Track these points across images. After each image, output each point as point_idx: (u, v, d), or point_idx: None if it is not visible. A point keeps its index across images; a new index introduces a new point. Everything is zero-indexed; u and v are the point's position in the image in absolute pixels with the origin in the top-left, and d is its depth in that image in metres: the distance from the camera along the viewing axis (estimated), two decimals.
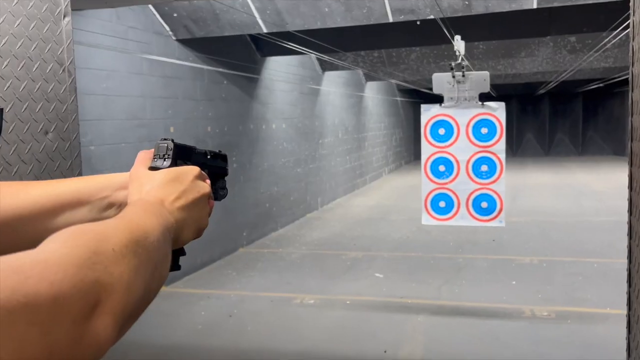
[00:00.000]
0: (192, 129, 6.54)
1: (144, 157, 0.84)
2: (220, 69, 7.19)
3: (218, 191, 0.93)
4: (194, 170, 0.81)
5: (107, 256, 0.51)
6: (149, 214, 0.67)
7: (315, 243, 8.04)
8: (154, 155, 0.83)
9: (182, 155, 0.84)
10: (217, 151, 0.95)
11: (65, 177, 1.53)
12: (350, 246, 7.76)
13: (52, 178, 1.49)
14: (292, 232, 8.79)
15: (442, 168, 4.72)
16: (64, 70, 1.50)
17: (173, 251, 0.75)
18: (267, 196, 8.62)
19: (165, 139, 0.84)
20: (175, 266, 0.80)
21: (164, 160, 0.82)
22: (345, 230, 8.89)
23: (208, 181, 0.84)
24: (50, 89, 1.47)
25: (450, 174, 4.71)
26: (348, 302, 5.43)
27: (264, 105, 8.50)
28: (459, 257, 7.01)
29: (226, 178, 0.96)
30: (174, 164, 0.82)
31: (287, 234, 8.72)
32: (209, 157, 0.91)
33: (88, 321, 0.47)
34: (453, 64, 4.70)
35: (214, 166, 0.93)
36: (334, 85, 11.70)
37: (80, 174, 1.64)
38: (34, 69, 1.46)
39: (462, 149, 4.67)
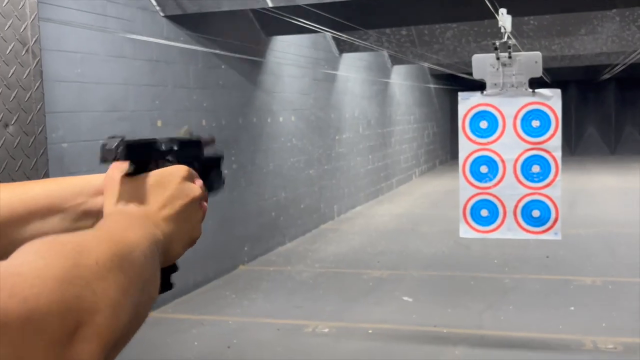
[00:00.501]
0: (184, 122, 6.57)
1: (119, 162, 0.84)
2: (218, 51, 7.22)
3: (213, 183, 0.91)
4: (181, 170, 0.81)
5: (90, 270, 0.53)
6: (132, 226, 0.69)
7: (330, 260, 8.03)
8: (102, 159, 0.79)
9: (135, 154, 0.80)
10: (189, 137, 0.90)
11: (29, 178, 1.53)
12: (373, 263, 7.74)
13: (12, 179, 1.50)
14: (303, 247, 8.80)
15: (484, 169, 4.70)
16: (27, 50, 1.51)
17: (163, 269, 0.75)
18: (273, 203, 8.64)
19: (112, 137, 0.79)
20: (166, 285, 0.80)
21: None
22: (367, 244, 8.87)
23: (199, 181, 0.84)
24: (10, 73, 1.48)
25: (495, 176, 4.68)
26: (370, 331, 5.41)
27: (269, 94, 8.52)
28: (504, 277, 6.97)
29: (224, 169, 0.94)
30: (155, 167, 0.81)
31: (297, 248, 8.72)
32: (176, 148, 0.85)
33: (68, 346, 0.48)
34: (497, 43, 4.68)
35: (205, 157, 0.90)
36: (353, 69, 11.70)
37: (47, 175, 1.64)
38: None
39: (509, 146, 4.64)
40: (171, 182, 0.80)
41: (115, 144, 0.79)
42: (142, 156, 0.82)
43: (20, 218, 0.80)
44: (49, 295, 0.47)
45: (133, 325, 0.58)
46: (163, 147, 0.85)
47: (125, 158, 0.79)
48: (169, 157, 0.85)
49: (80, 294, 0.50)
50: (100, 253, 0.55)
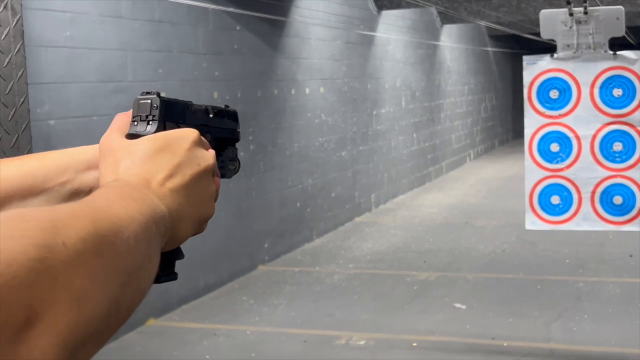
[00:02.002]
0: (192, 95, 6.61)
1: (121, 121, 0.84)
2: (232, 9, 7.24)
3: (227, 165, 0.94)
4: (191, 134, 0.82)
5: (55, 252, 0.51)
6: (126, 198, 0.67)
7: (367, 259, 8.04)
8: (133, 117, 0.84)
9: (172, 114, 0.85)
10: (223, 107, 0.96)
11: (8, 157, 1.55)
12: (418, 264, 7.73)
13: None
14: (334, 244, 8.82)
15: (555, 147, 4.65)
16: (5, 6, 1.52)
17: (165, 253, 0.75)
18: (298, 192, 8.66)
19: (147, 93, 0.85)
20: (169, 274, 0.80)
21: (148, 123, 0.83)
22: (412, 241, 8.86)
23: (212, 151, 0.84)
24: None
25: (568, 155, 4.63)
26: (415, 344, 5.41)
27: (293, 61, 8.52)
28: (578, 280, 6.92)
29: (240, 152, 0.97)
30: (162, 127, 0.83)
31: (327, 245, 8.74)
32: (211, 115, 0.92)
33: (16, 343, 0.46)
34: None
35: (220, 128, 0.94)
36: (394, 30, 11.63)
37: (30, 153, 1.66)
38: None
39: (585, 120, 4.59)
40: (180, 147, 0.79)
41: (151, 99, 0.83)
42: (178, 118, 0.85)
43: None
44: None
45: (111, 321, 0.57)
46: (206, 111, 0.91)
47: (161, 117, 0.82)
48: (209, 123, 0.90)
49: (37, 282, 0.48)
50: (72, 232, 0.54)
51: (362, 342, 5.47)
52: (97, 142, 0.84)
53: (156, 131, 0.82)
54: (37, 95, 4.91)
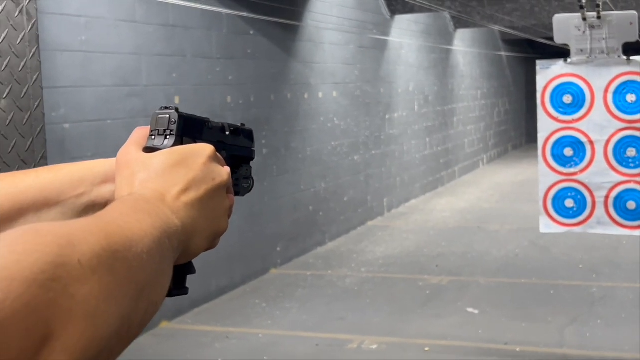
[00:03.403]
0: (206, 99, 6.63)
1: (139, 134, 0.85)
2: (245, 14, 7.26)
3: (240, 182, 0.95)
4: (207, 149, 0.82)
5: (70, 270, 0.51)
6: (140, 212, 0.67)
7: (379, 263, 8.03)
8: (151, 131, 0.84)
9: (190, 130, 0.86)
10: (239, 125, 0.97)
11: (23, 161, 1.56)
12: (431, 268, 7.71)
13: (5, 163, 1.53)
14: (347, 247, 8.81)
15: (569, 152, 4.63)
16: (21, 11, 1.53)
17: (177, 267, 0.75)
18: (311, 195, 8.66)
19: (166, 108, 0.86)
20: (180, 288, 0.80)
21: (165, 137, 0.84)
22: (424, 245, 8.84)
23: (227, 167, 0.85)
24: (2, 38, 1.50)
25: (582, 160, 4.61)
26: (427, 348, 5.40)
27: (306, 65, 8.53)
28: (592, 285, 6.88)
29: (252, 164, 0.97)
30: (179, 142, 0.84)
31: (340, 249, 8.74)
32: (227, 133, 0.93)
33: None
34: (584, 0, 4.59)
35: (235, 146, 0.95)
36: (408, 34, 11.62)
37: (44, 158, 1.67)
38: None
39: (599, 125, 4.56)
40: (196, 162, 0.80)
41: (170, 114, 0.84)
42: (195, 133, 0.87)
43: (8, 214, 0.80)
44: (15, 300, 0.46)
45: (123, 336, 0.57)
46: (222, 128, 0.92)
47: (178, 132, 0.84)
48: (225, 140, 0.91)
49: (55, 301, 0.48)
50: (87, 249, 0.54)
51: (374, 346, 5.46)
52: (112, 146, 0.84)
53: (173, 146, 0.83)
54: (52, 99, 4.94)
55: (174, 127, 0.84)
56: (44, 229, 0.54)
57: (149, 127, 0.86)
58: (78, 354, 0.50)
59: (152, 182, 0.77)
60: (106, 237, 0.57)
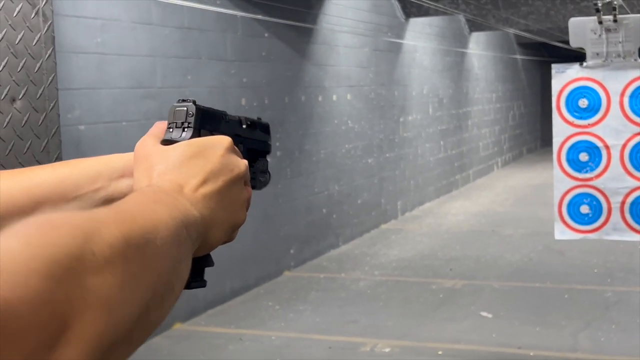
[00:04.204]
0: (220, 101, 6.64)
1: (158, 128, 0.86)
2: (260, 17, 7.27)
3: (257, 176, 0.96)
4: (225, 141, 0.82)
5: (84, 262, 0.51)
6: (157, 204, 0.68)
7: (393, 266, 8.02)
8: (169, 124, 0.85)
9: (207, 122, 0.86)
10: (256, 119, 0.98)
11: (38, 162, 1.57)
12: (444, 272, 7.69)
13: (20, 163, 1.54)
14: (360, 250, 8.80)
15: (584, 157, 4.60)
16: (37, 12, 1.54)
17: (196, 259, 0.76)
18: (325, 198, 8.66)
19: (184, 100, 0.86)
20: (198, 280, 0.81)
21: (183, 130, 0.84)
22: (438, 248, 8.82)
23: (244, 160, 0.85)
24: (18, 39, 1.52)
25: (597, 165, 4.58)
26: (440, 352, 5.38)
27: (321, 68, 8.53)
28: (607, 289, 6.84)
29: (268, 158, 0.97)
30: (197, 135, 0.84)
31: (353, 252, 8.73)
32: (244, 126, 0.94)
33: (49, 353, 0.46)
34: (600, 3, 4.56)
35: (252, 140, 0.95)
36: (422, 37, 11.60)
37: (59, 159, 1.68)
38: None
39: (615, 129, 4.53)
40: (214, 154, 0.80)
41: (187, 107, 0.85)
42: (212, 126, 0.87)
43: (24, 208, 0.81)
44: (32, 294, 0.46)
45: (141, 326, 0.56)
46: (239, 122, 0.93)
47: (196, 125, 0.84)
48: (242, 133, 0.92)
49: (70, 294, 0.48)
50: (101, 239, 0.53)
51: (387, 350, 5.46)
52: (127, 147, 0.84)
53: (191, 138, 0.83)
54: (67, 100, 4.97)
55: (191, 119, 0.84)
56: (58, 219, 0.53)
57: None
58: (93, 343, 0.50)
59: (170, 174, 0.77)
60: (121, 227, 0.57)
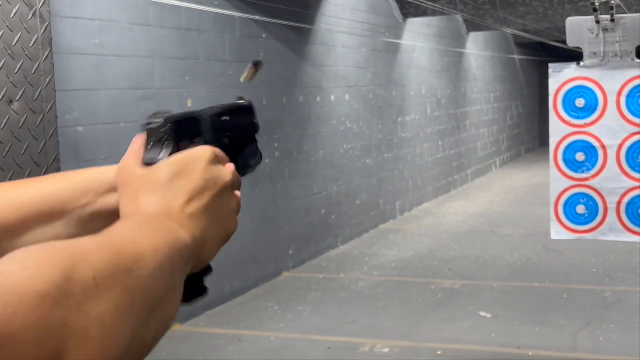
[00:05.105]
0: (218, 101, 6.52)
1: (138, 144, 0.82)
2: (258, 17, 7.27)
3: (249, 160, 0.91)
4: (205, 153, 0.80)
5: (85, 287, 0.51)
6: (148, 229, 0.67)
7: (392, 267, 8.01)
8: (147, 142, 0.81)
9: (184, 132, 0.82)
10: (237, 101, 0.93)
11: (36, 163, 1.57)
12: (443, 272, 7.69)
13: (18, 165, 1.54)
14: (359, 251, 8.80)
15: (581, 157, 4.60)
16: (34, 14, 1.54)
17: (194, 274, 0.75)
18: (323, 199, 8.65)
19: (156, 114, 0.82)
20: (199, 290, 0.79)
21: (161, 147, 0.80)
22: (437, 248, 8.81)
23: (230, 165, 0.83)
24: (15, 41, 1.52)
25: (594, 165, 4.58)
26: (439, 352, 5.38)
27: (319, 69, 8.53)
28: (605, 289, 6.84)
29: (263, 152, 0.94)
30: (176, 149, 0.81)
31: (352, 252, 8.73)
32: (224, 118, 0.89)
33: None
34: (597, 3, 4.56)
35: (237, 128, 0.91)
36: (420, 38, 11.60)
37: (57, 160, 1.68)
38: None
39: (612, 129, 4.53)
40: (195, 169, 0.78)
41: (159, 122, 0.80)
42: (191, 134, 0.83)
43: (12, 228, 0.79)
44: (26, 317, 0.45)
45: (133, 354, 0.56)
46: (218, 115, 0.87)
47: (172, 138, 0.80)
48: (227, 133, 0.87)
49: (68, 318, 0.48)
50: (101, 265, 0.53)
51: (386, 350, 5.45)
52: (125, 148, 0.83)
53: (171, 153, 0.80)
54: (66, 102, 4.97)
55: (167, 135, 0.80)
56: (58, 246, 0.54)
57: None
58: None
59: (155, 198, 0.75)
60: (120, 255, 0.57)
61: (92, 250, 0.55)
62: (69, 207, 0.83)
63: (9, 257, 0.50)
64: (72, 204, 0.84)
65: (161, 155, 0.80)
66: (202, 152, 0.79)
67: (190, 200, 0.76)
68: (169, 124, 0.81)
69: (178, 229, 0.72)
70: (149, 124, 0.81)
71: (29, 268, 0.49)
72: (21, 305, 0.46)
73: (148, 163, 0.80)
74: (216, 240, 0.78)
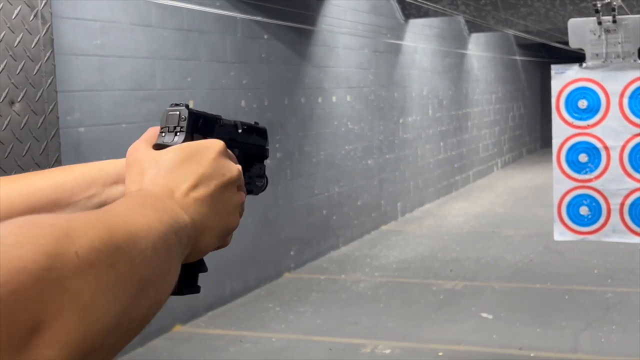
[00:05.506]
0: (220, 103, 6.64)
1: (151, 134, 0.85)
2: (259, 18, 7.27)
3: (254, 181, 0.94)
4: (217, 144, 0.81)
5: (65, 262, 0.50)
6: (146, 208, 0.67)
7: (393, 267, 8.01)
8: (162, 128, 0.84)
9: (200, 127, 0.86)
10: (253, 123, 0.97)
11: (37, 164, 1.57)
12: (445, 273, 7.69)
13: (19, 166, 1.53)
14: (361, 252, 8.80)
15: (583, 158, 4.60)
16: (36, 15, 1.54)
17: (188, 265, 0.75)
18: (325, 199, 8.65)
19: (177, 105, 0.85)
20: (191, 287, 0.80)
21: (175, 134, 0.83)
22: (438, 249, 8.81)
23: (238, 165, 0.84)
24: (16, 42, 1.51)
25: (597, 166, 4.57)
26: (440, 353, 5.38)
27: (320, 70, 8.53)
28: (607, 290, 6.84)
29: (266, 162, 0.97)
30: (190, 139, 0.83)
31: (353, 253, 8.73)
32: (240, 130, 0.93)
33: (21, 352, 0.46)
34: (599, 4, 4.56)
35: (248, 144, 0.94)
36: (422, 39, 11.60)
37: (59, 162, 1.68)
38: None
39: (614, 130, 4.53)
40: (206, 157, 0.79)
41: (180, 111, 0.84)
42: (206, 130, 0.86)
43: (21, 215, 0.81)
44: (2, 290, 0.45)
45: (122, 332, 0.56)
46: (235, 126, 0.92)
47: (189, 129, 0.83)
48: (237, 138, 0.91)
49: (47, 292, 0.48)
50: (86, 241, 0.53)
51: (387, 351, 5.45)
52: (126, 149, 0.84)
53: (183, 142, 0.82)
54: (67, 103, 4.97)
55: (184, 123, 0.83)
56: (42, 220, 0.53)
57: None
58: (70, 346, 0.49)
59: (161, 178, 0.76)
60: (108, 231, 0.57)
61: (78, 226, 0.54)
62: (76, 198, 0.85)
63: None
64: (78, 194, 0.85)
65: (175, 140, 0.82)
66: (214, 143, 0.82)
67: (196, 185, 0.77)
68: (190, 115, 0.84)
69: (179, 210, 0.72)
70: (169, 111, 0.85)
71: (5, 244, 0.48)
72: None
73: (160, 146, 0.82)
74: (216, 231, 0.78)
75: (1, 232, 0.50)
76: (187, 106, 0.85)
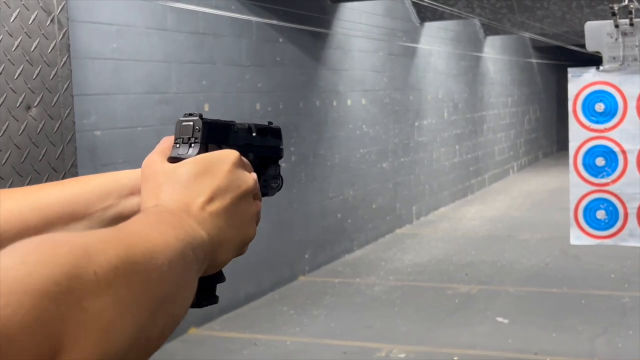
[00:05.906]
0: (235, 106, 6.66)
1: (165, 144, 0.84)
2: (275, 22, 7.28)
3: (269, 183, 0.94)
4: (231, 155, 0.81)
5: (84, 282, 0.50)
6: (163, 224, 0.67)
7: (408, 271, 7.99)
8: (176, 139, 0.84)
9: (214, 136, 0.85)
10: (267, 124, 0.96)
11: (54, 169, 1.58)
12: (459, 277, 7.67)
13: (35, 170, 1.54)
14: (375, 255, 8.79)
15: (600, 162, 4.57)
16: (52, 20, 1.55)
17: (207, 277, 0.75)
18: (339, 203, 8.65)
19: (190, 115, 0.85)
20: (210, 297, 0.79)
21: (190, 146, 0.83)
22: (453, 253, 8.79)
23: (253, 174, 0.84)
24: (33, 47, 1.52)
25: (614, 170, 4.55)
26: (456, 357, 5.37)
27: (335, 73, 8.53)
28: (624, 294, 6.80)
29: (281, 162, 0.97)
30: (204, 150, 0.83)
31: (368, 257, 8.72)
32: (254, 134, 0.92)
33: None
34: (616, 7, 4.54)
35: (263, 147, 0.94)
36: (437, 42, 11.58)
37: (75, 166, 1.68)
38: (10, 20, 1.53)
39: (632, 134, 4.50)
40: (220, 170, 0.79)
41: (194, 121, 0.83)
42: (220, 139, 0.85)
43: (35, 229, 0.80)
44: (25, 315, 0.45)
45: (139, 351, 0.55)
46: (249, 129, 0.91)
47: (203, 139, 0.83)
48: (252, 142, 0.90)
49: (67, 315, 0.48)
50: (104, 260, 0.53)
51: (402, 355, 5.44)
52: (142, 154, 0.84)
53: (198, 154, 0.81)
54: (83, 106, 5.00)
55: (198, 134, 0.83)
56: (59, 239, 0.53)
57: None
58: None
59: (177, 193, 0.76)
60: (125, 248, 0.56)
61: (96, 244, 0.54)
62: (91, 209, 0.85)
63: (9, 250, 0.50)
64: (94, 206, 0.85)
65: (189, 153, 0.82)
66: (228, 154, 0.81)
67: (211, 198, 0.76)
68: (204, 125, 0.83)
69: (195, 226, 0.72)
70: (182, 121, 0.84)
71: (28, 263, 0.48)
72: (20, 304, 0.45)
73: (175, 159, 0.81)
74: (233, 244, 0.78)
75: (22, 250, 0.50)
76: (200, 116, 0.84)
